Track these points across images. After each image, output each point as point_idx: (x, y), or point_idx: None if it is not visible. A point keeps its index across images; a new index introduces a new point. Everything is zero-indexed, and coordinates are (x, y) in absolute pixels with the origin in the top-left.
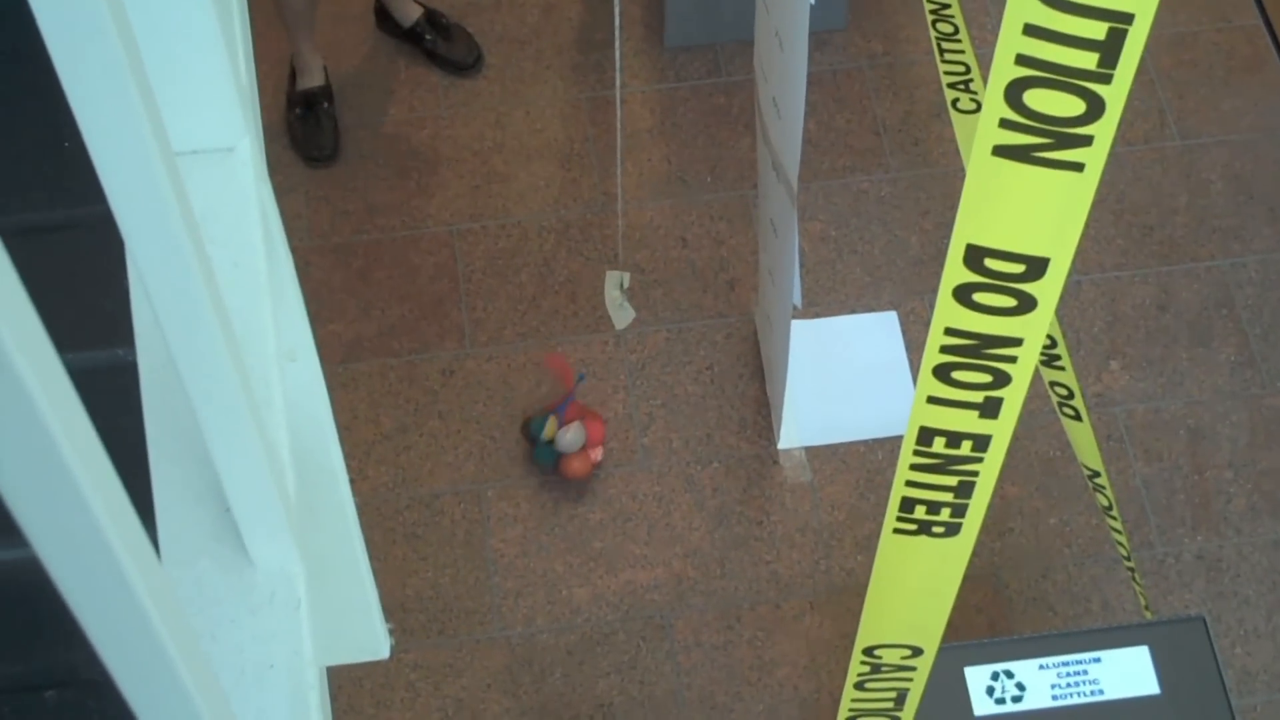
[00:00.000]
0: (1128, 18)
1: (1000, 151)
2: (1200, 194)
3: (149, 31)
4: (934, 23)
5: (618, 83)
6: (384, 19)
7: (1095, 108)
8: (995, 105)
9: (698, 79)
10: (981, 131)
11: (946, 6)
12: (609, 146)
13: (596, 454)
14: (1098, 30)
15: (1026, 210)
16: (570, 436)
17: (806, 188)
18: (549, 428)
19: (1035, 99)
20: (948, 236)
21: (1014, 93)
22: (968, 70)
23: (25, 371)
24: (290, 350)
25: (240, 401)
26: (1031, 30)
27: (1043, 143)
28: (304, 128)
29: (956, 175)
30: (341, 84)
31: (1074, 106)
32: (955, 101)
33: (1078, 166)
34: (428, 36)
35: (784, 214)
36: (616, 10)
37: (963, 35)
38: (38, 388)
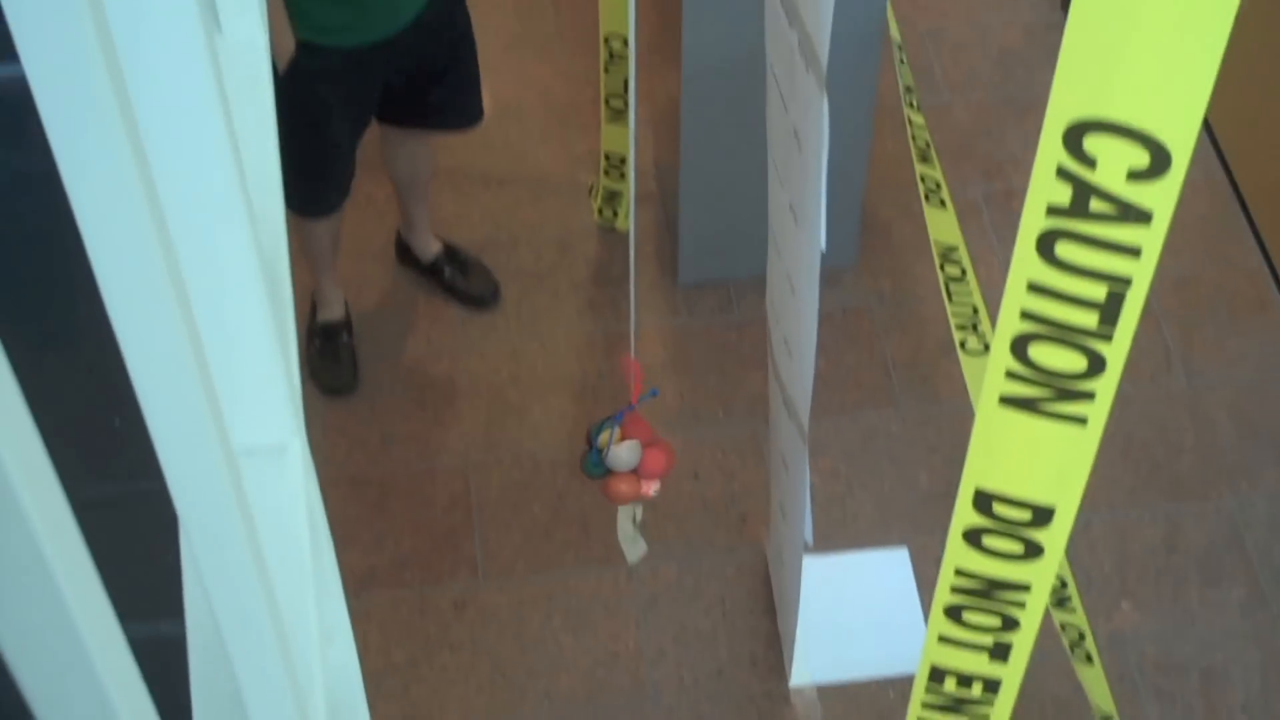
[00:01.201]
0: (1126, 281)
1: (1007, 401)
2: (1207, 433)
3: (210, 331)
4: (942, 265)
5: (632, 319)
6: (404, 254)
7: (1096, 364)
8: (1002, 357)
9: (710, 315)
10: (989, 380)
11: (954, 249)
12: (622, 381)
13: (649, 488)
14: (1098, 291)
15: (1032, 458)
16: (621, 454)
17: (817, 423)
18: (605, 436)
19: (1039, 353)
20: (957, 473)
21: (1019, 346)
22: (975, 312)
23: (91, 645)
24: (329, 632)
25: (284, 683)
26: (1035, 288)
27: (1047, 395)
28: (323, 360)
29: (965, 413)
30: (361, 316)
31: (1076, 362)
32: (964, 343)
33: (1081, 420)
34: (447, 271)
35: (795, 450)
36: (632, 248)
37: (970, 278)
38: (102, 662)
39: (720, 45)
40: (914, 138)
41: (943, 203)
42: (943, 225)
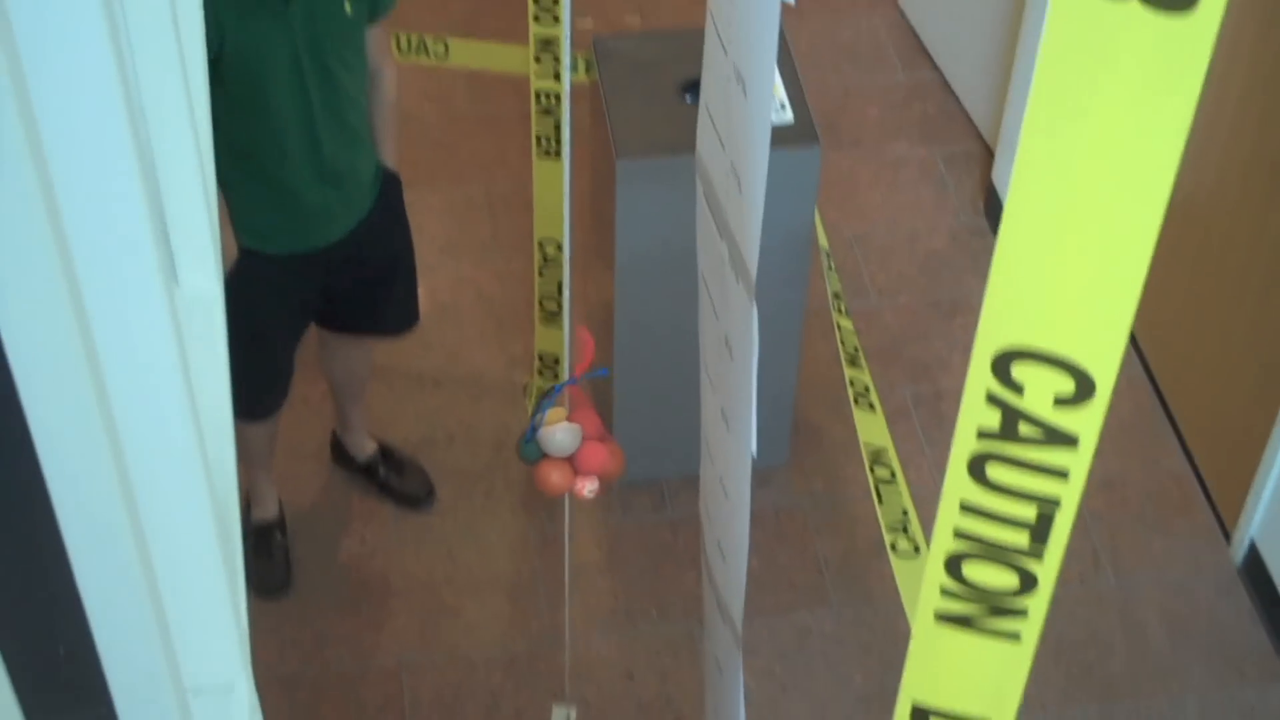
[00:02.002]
0: (1055, 502)
1: (942, 617)
2: (1137, 633)
3: (163, 573)
4: (871, 468)
5: (566, 519)
6: (339, 453)
7: (1029, 582)
8: (936, 575)
9: (644, 514)
10: (924, 597)
11: (883, 452)
12: (557, 581)
13: (583, 485)
14: (1029, 512)
15: (968, 674)
16: (555, 436)
17: (750, 623)
18: (548, 415)
19: (973, 571)
20: (892, 675)
21: (953, 565)
22: (905, 514)
23: None
24: None
25: None
26: (967, 508)
27: (981, 612)
28: (257, 560)
29: (898, 613)
30: (295, 515)
31: (1009, 580)
32: (894, 544)
33: (1015, 636)
34: (381, 471)
35: (729, 653)
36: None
37: (899, 481)
38: None
39: (652, 250)
40: (843, 342)
41: (872, 406)
42: (872, 428)
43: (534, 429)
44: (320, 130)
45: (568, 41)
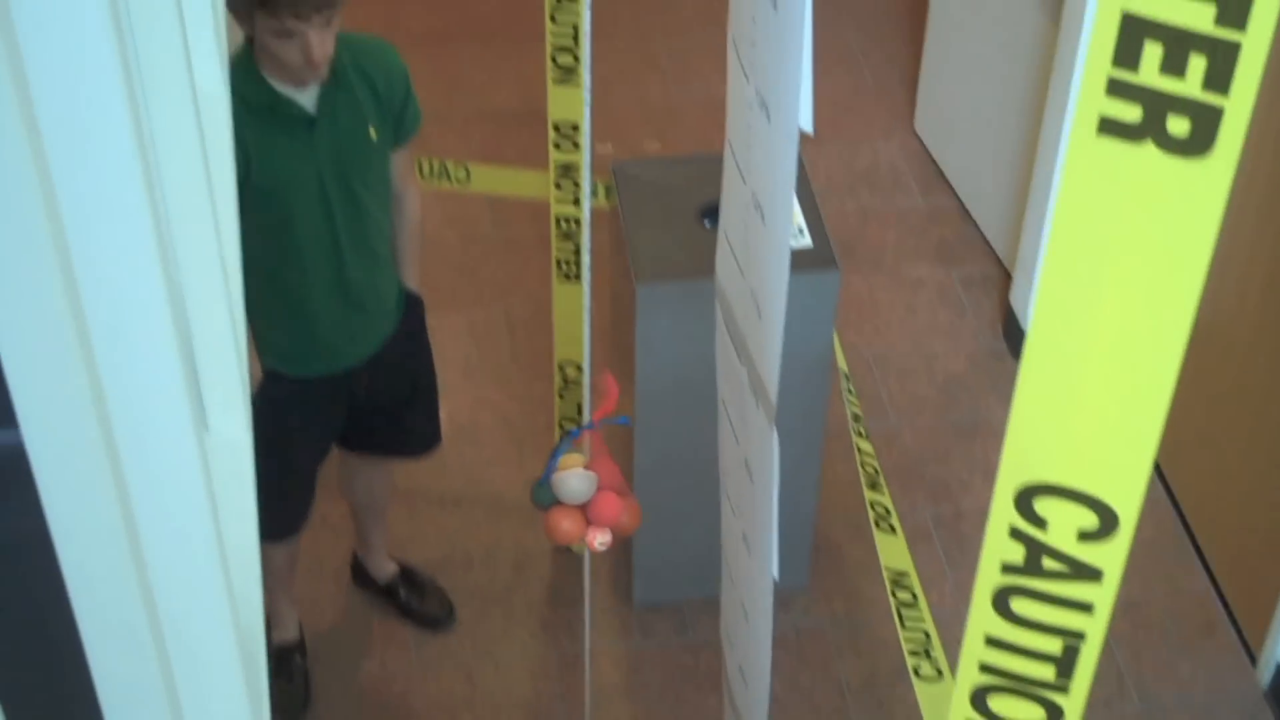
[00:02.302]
0: (1080, 635)
1: None
2: None
3: (190, 709)
4: (893, 591)
5: (586, 642)
6: (359, 574)
7: (1055, 715)
8: (962, 707)
9: (665, 638)
10: None
11: (904, 575)
12: (577, 704)
13: (594, 537)
14: (1054, 645)
15: None
16: (568, 482)
17: None
18: (563, 460)
19: (999, 705)
20: None
21: (979, 699)
22: (928, 638)
23: None
24: None
25: None
26: (993, 642)
27: None
28: (276, 682)
29: None
30: (315, 637)
31: (1035, 713)
32: (917, 669)
33: None
34: (402, 593)
35: None
36: (586, 570)
37: (921, 604)
38: None
39: (672, 373)
40: (863, 465)
41: (893, 528)
42: (893, 551)
43: (549, 472)
44: (345, 253)
45: (588, 167)
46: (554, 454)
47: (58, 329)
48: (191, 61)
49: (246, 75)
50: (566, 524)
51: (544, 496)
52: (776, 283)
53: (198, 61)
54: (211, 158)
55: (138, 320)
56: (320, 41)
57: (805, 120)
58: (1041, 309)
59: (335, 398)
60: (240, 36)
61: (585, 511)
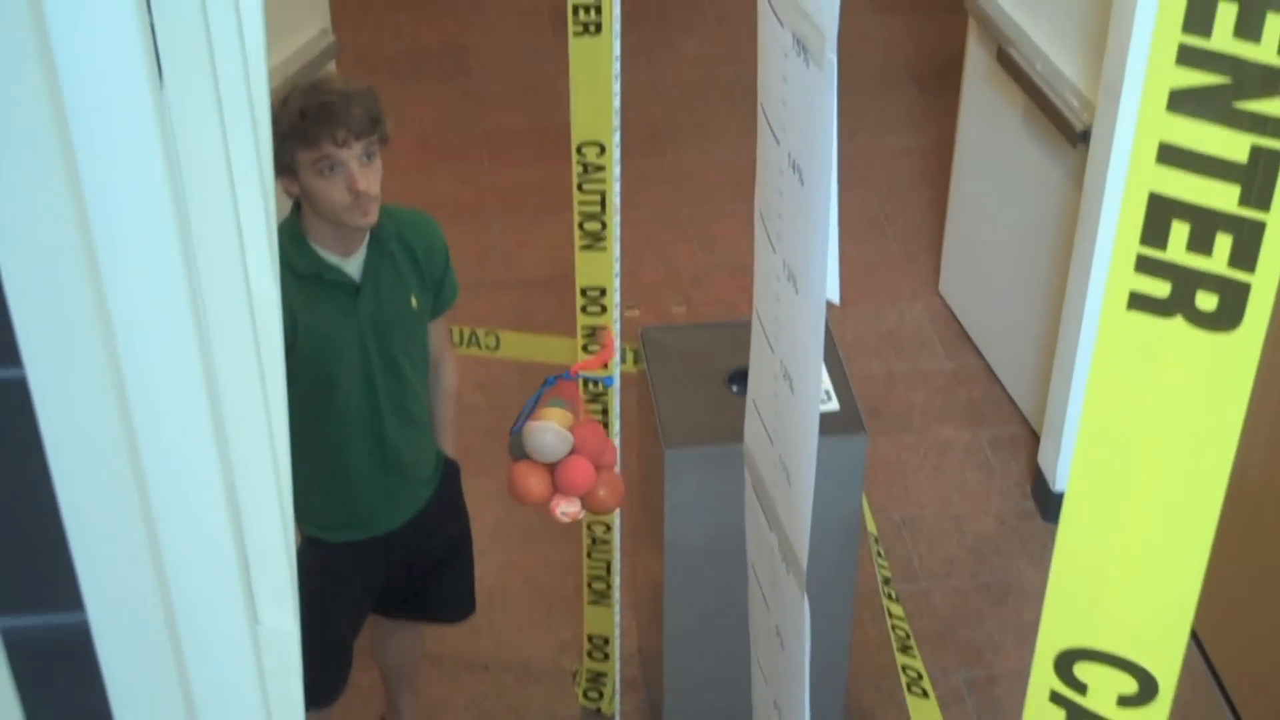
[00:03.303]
0: None
1: None
2: None
3: None
4: None
5: None
6: None
7: None
8: None
9: None
10: None
11: None
12: None
13: (558, 506)
14: None
15: None
16: (538, 438)
17: None
18: (547, 413)
19: None
20: None
21: None
22: None
23: None
24: None
25: None
26: None
27: None
28: None
29: None
30: None
31: None
32: None
33: None
34: None
35: None
36: None
37: None
38: None
39: (701, 536)
40: (894, 628)
41: (925, 692)
42: (926, 716)
43: (521, 419)
44: (385, 418)
45: (617, 328)
46: (531, 400)
47: (127, 529)
48: (247, 265)
49: (294, 243)
50: (532, 482)
51: (515, 447)
52: (806, 451)
53: (252, 264)
54: (264, 357)
55: (196, 519)
56: (364, 174)
57: (833, 291)
58: (1077, 478)
59: (374, 563)
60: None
61: (554, 474)
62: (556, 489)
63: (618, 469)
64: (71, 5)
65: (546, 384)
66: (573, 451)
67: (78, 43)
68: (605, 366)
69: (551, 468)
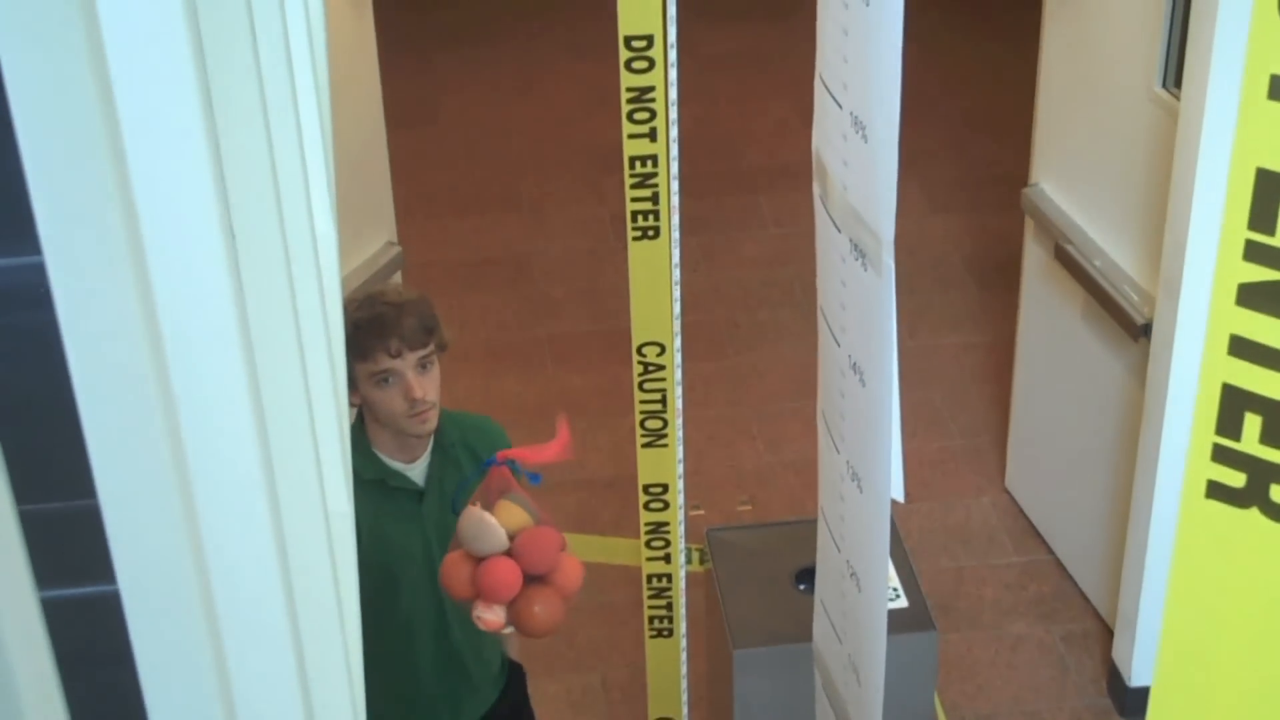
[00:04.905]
0: None
1: None
2: None
3: None
4: None
5: None
6: None
7: None
8: None
9: None
10: None
11: None
12: None
13: (479, 608)
14: None
15: None
16: (464, 522)
17: None
18: (499, 507)
19: None
20: None
21: None
22: None
23: None
24: None
25: None
26: None
27: None
28: None
29: None
30: None
31: None
32: None
33: None
34: None
35: None
36: None
37: None
38: None
39: None
40: None
41: None
42: None
43: (455, 498)
44: (450, 621)
45: (681, 529)
46: (467, 479)
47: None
48: (324, 484)
49: (358, 451)
50: (457, 574)
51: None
52: (875, 649)
53: (328, 483)
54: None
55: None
56: (420, 382)
57: (897, 489)
58: (1163, 668)
59: None
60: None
61: (475, 570)
62: (478, 583)
63: (575, 589)
64: (169, 268)
65: (484, 464)
66: (508, 553)
67: (175, 301)
68: (562, 454)
69: (478, 562)
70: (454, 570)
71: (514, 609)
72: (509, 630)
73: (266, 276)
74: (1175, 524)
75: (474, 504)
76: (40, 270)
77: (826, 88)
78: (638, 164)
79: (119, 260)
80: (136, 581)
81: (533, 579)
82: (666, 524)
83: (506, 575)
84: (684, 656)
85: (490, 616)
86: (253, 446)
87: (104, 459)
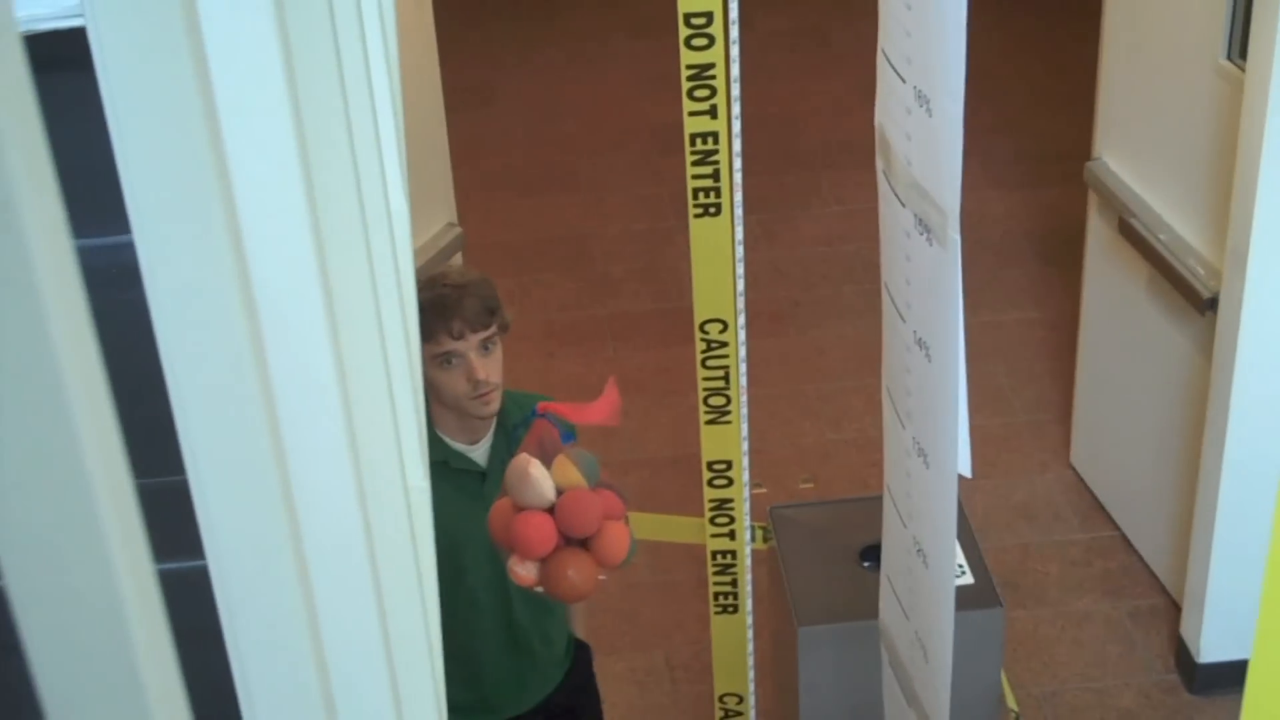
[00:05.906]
0: None
1: None
2: None
3: None
4: None
5: None
6: None
7: None
8: None
9: None
10: None
11: None
12: None
13: (514, 561)
14: None
15: None
16: (510, 472)
17: None
18: (557, 462)
19: None
20: None
21: None
22: None
23: None
24: None
25: None
26: None
27: None
28: None
29: None
30: None
31: None
32: None
33: None
34: None
35: None
36: None
37: None
38: None
39: (837, 714)
40: None
41: None
42: None
43: (515, 439)
44: (514, 603)
45: (746, 506)
46: (520, 426)
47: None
48: (404, 459)
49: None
50: (500, 521)
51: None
52: (942, 625)
53: (407, 458)
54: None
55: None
56: (483, 364)
57: (964, 464)
58: (1261, 644)
59: None
60: None
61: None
62: (515, 536)
63: (616, 561)
64: (259, 249)
65: (528, 416)
66: (550, 510)
67: (265, 279)
68: (608, 417)
69: (518, 512)
70: (497, 516)
71: (547, 568)
72: (539, 590)
73: (347, 253)
74: (1275, 497)
75: (524, 454)
76: (130, 249)
77: (889, 62)
78: (698, 141)
79: (211, 239)
80: (225, 558)
81: (574, 542)
82: (731, 500)
83: (536, 532)
84: (750, 634)
85: (522, 571)
86: (339, 421)
87: (193, 437)
